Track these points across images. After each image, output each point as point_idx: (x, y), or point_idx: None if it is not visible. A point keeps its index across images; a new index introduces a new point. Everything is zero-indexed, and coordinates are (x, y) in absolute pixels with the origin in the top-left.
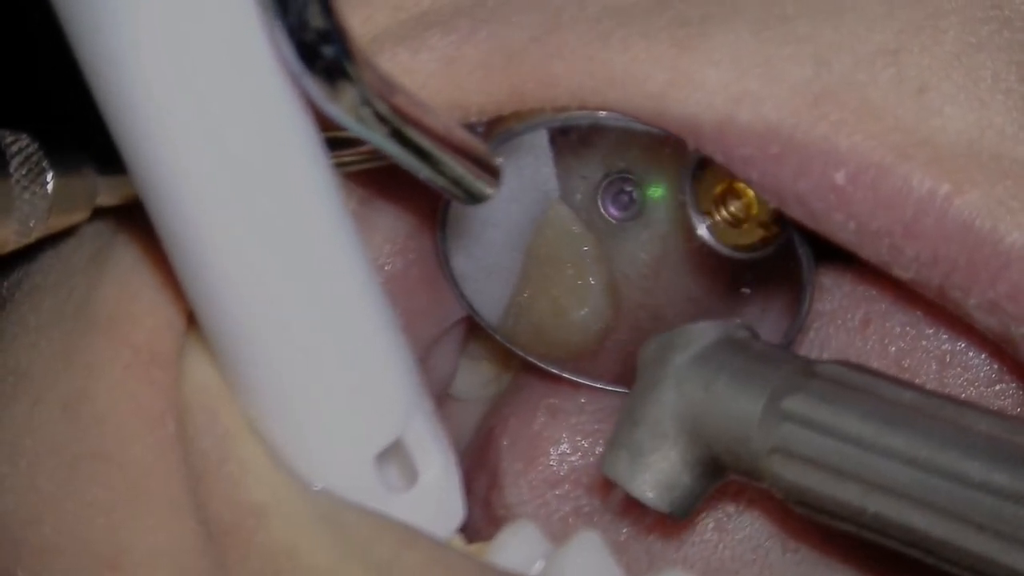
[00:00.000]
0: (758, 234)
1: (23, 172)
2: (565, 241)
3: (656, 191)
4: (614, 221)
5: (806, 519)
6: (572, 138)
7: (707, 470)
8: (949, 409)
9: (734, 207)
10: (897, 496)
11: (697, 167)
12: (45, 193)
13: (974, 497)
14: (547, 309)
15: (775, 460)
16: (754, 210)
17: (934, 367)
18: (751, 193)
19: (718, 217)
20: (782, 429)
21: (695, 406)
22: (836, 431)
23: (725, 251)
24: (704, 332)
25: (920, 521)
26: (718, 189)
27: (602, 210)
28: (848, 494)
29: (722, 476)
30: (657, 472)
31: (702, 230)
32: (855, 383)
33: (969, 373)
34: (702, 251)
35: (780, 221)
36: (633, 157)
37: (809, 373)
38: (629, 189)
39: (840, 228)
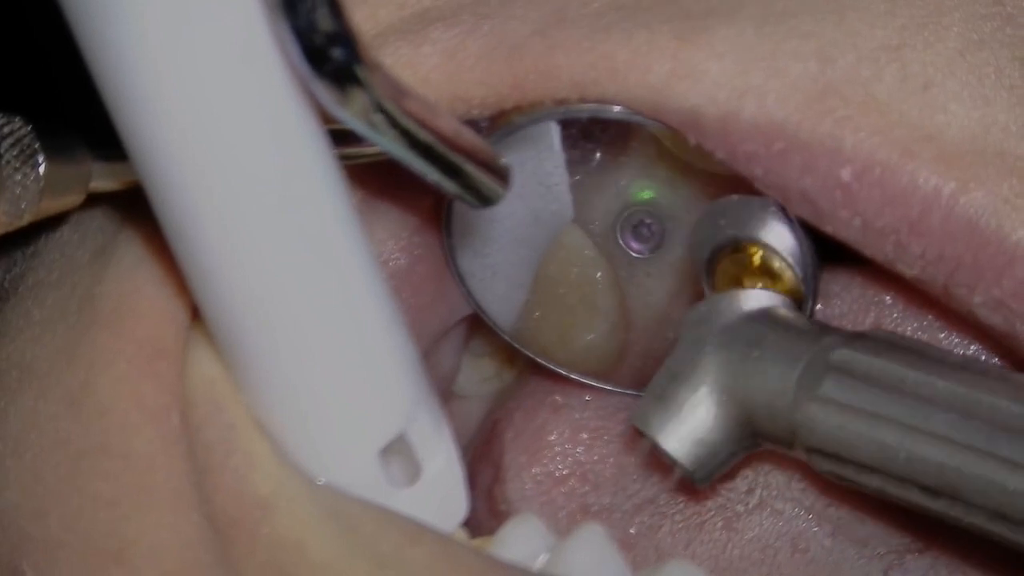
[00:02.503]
0: None
1: (14, 154)
2: (577, 264)
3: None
4: (634, 253)
5: (830, 478)
6: (595, 162)
7: (737, 431)
8: (994, 368)
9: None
10: (935, 437)
11: (711, 255)
12: (37, 176)
13: (1015, 438)
14: (555, 331)
15: (814, 407)
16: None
17: None
18: (763, 270)
19: None
20: (826, 378)
21: (737, 363)
22: (880, 379)
23: None
24: (753, 297)
25: (955, 460)
26: (733, 272)
27: (621, 242)
28: (885, 436)
29: (750, 443)
30: (688, 426)
31: None
32: (901, 343)
33: None
34: None
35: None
36: (656, 189)
37: (857, 336)
38: (649, 222)
39: (845, 225)
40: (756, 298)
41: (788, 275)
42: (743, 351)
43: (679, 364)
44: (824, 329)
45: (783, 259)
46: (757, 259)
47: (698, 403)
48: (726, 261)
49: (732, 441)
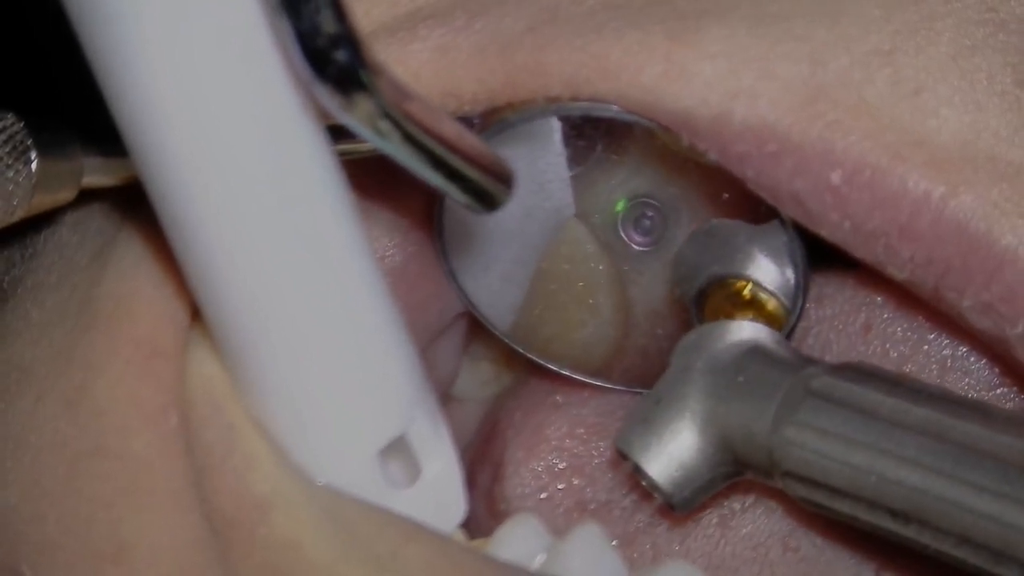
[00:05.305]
0: None
1: (7, 150)
2: (578, 259)
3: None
4: (635, 246)
5: (804, 505)
6: (595, 155)
7: (717, 457)
8: (970, 400)
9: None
10: (905, 461)
11: (700, 291)
12: (29, 172)
13: (983, 463)
14: (556, 326)
15: (790, 430)
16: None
17: (935, 371)
18: (752, 303)
19: None
20: (804, 404)
21: (721, 389)
22: (856, 405)
23: None
24: (742, 329)
25: (924, 483)
26: (724, 308)
27: (622, 235)
28: (858, 459)
29: (730, 470)
30: (669, 449)
31: None
32: (882, 374)
33: (969, 377)
34: None
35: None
36: (657, 181)
37: (839, 366)
38: (651, 214)
39: (836, 228)
40: (745, 329)
41: (775, 305)
42: (728, 378)
43: (665, 389)
44: (808, 361)
45: (771, 293)
46: (747, 293)
47: (681, 427)
48: (716, 296)
49: (712, 467)
